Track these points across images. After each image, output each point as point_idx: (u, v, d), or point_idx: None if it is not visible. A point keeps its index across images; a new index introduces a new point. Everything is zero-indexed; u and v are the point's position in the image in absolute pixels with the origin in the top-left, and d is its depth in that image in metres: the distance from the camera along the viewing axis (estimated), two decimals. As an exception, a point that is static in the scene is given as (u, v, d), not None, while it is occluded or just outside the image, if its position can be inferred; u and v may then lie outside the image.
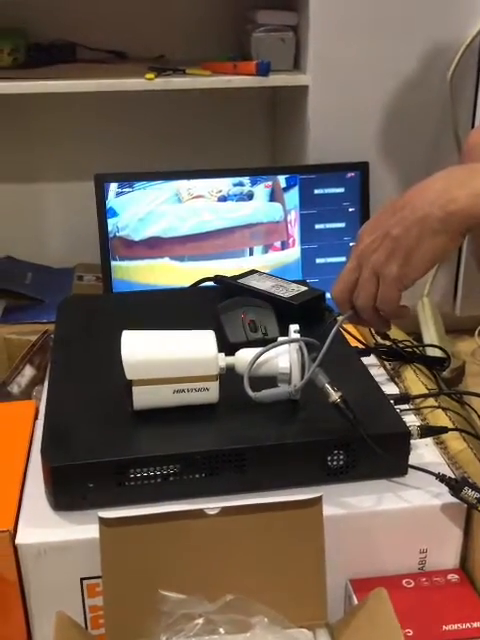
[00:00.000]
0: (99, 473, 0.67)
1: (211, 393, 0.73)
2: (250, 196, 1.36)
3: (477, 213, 0.65)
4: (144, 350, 0.72)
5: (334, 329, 0.72)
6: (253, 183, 1.37)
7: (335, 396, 0.69)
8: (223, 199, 1.36)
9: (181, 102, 1.58)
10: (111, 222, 1.35)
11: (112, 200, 1.35)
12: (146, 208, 1.35)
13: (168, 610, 0.61)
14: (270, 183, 1.37)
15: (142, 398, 0.72)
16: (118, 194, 1.35)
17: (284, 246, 1.39)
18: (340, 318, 0.74)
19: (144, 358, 0.72)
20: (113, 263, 1.35)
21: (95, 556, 0.63)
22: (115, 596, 0.63)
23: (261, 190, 1.37)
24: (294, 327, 0.75)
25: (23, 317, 1.40)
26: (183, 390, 0.72)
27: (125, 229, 1.35)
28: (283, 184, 1.37)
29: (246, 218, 1.36)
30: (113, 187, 1.35)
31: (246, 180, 1.36)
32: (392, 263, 0.67)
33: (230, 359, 0.74)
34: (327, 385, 0.70)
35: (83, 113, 1.60)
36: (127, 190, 1.35)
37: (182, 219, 1.36)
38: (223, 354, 0.73)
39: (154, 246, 1.35)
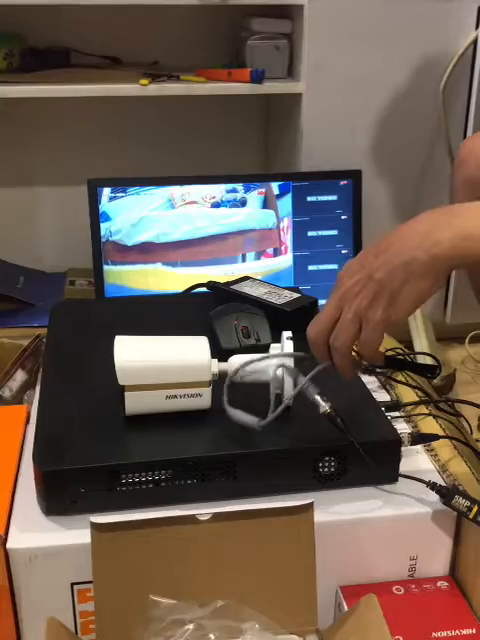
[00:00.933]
0: (91, 478, 0.67)
1: (203, 399, 0.73)
2: (243, 203, 1.37)
3: (461, 255, 0.65)
4: (137, 356, 0.72)
5: (313, 373, 0.71)
6: (246, 190, 1.37)
7: (325, 407, 0.70)
8: (216, 205, 1.36)
9: (175, 108, 1.58)
10: (104, 226, 1.35)
11: (105, 204, 1.35)
12: (139, 213, 1.35)
13: (159, 615, 0.61)
14: (263, 190, 1.37)
15: (134, 403, 0.72)
16: (111, 199, 1.35)
17: (276, 253, 1.39)
18: (319, 366, 0.72)
19: (137, 364, 0.72)
20: (105, 268, 1.35)
21: (86, 561, 0.63)
22: (106, 601, 0.63)
23: (254, 197, 1.37)
24: (287, 333, 0.75)
25: (15, 321, 1.39)
26: (175, 396, 0.72)
27: (118, 234, 1.35)
28: (276, 191, 1.37)
29: (239, 224, 1.37)
30: (106, 191, 1.35)
31: (239, 187, 1.37)
32: (377, 307, 0.67)
33: (223, 365, 0.74)
34: (317, 397, 0.70)
35: (77, 118, 1.60)
36: (120, 195, 1.35)
37: (175, 225, 1.36)
38: (216, 360, 0.74)
39: (147, 251, 1.35)
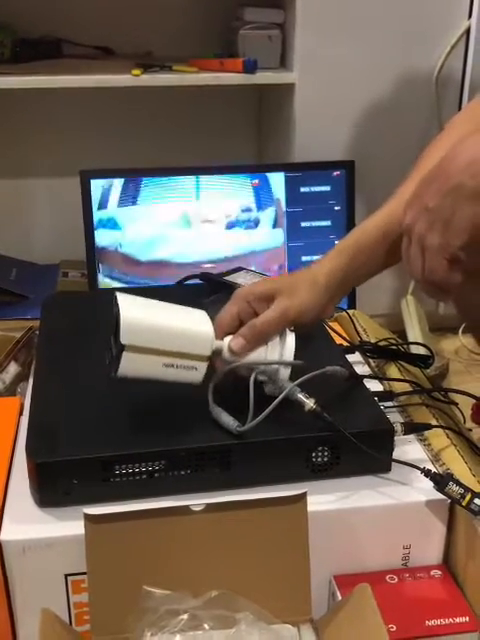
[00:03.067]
0: (84, 469, 0.67)
1: (198, 373, 0.71)
2: (256, 222, 1.37)
3: None
4: (144, 316, 0.70)
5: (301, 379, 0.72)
6: (259, 208, 1.38)
7: (310, 404, 0.70)
8: (231, 225, 1.37)
9: (167, 99, 1.57)
10: (112, 234, 1.34)
11: (114, 209, 1.34)
12: (153, 229, 1.35)
13: (153, 606, 0.61)
14: (274, 208, 1.37)
15: (129, 365, 0.69)
16: (121, 204, 1.34)
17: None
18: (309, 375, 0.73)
19: (143, 323, 0.69)
20: (108, 280, 1.35)
21: (80, 552, 0.63)
22: (100, 592, 0.63)
23: (267, 215, 1.38)
24: (291, 335, 0.75)
25: (7, 313, 1.39)
26: (173, 365, 0.70)
27: (130, 247, 1.34)
28: (284, 208, 1.38)
29: (252, 246, 1.38)
30: (115, 196, 1.34)
31: (253, 205, 1.37)
32: (433, 234, 0.69)
33: (218, 343, 0.73)
34: (299, 395, 0.70)
35: (69, 109, 1.59)
36: (129, 201, 1.34)
37: (191, 245, 1.36)
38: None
39: (159, 268, 1.35)
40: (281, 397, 0.70)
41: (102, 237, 1.36)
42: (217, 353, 0.73)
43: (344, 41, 1.36)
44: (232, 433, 0.70)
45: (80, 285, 1.50)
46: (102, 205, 1.35)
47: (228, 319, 0.76)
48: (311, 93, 1.38)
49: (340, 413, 0.70)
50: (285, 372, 0.73)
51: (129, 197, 1.36)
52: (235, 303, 0.77)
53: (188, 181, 1.36)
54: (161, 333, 0.69)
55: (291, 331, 0.75)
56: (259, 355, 0.74)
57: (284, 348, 0.74)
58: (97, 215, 1.34)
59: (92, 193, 1.34)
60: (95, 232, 1.34)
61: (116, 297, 0.71)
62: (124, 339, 0.68)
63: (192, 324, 0.72)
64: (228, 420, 0.70)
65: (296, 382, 0.71)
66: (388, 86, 1.40)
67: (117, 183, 1.35)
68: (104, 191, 1.35)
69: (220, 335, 0.75)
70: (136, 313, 0.69)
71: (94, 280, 1.36)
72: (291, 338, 0.75)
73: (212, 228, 1.37)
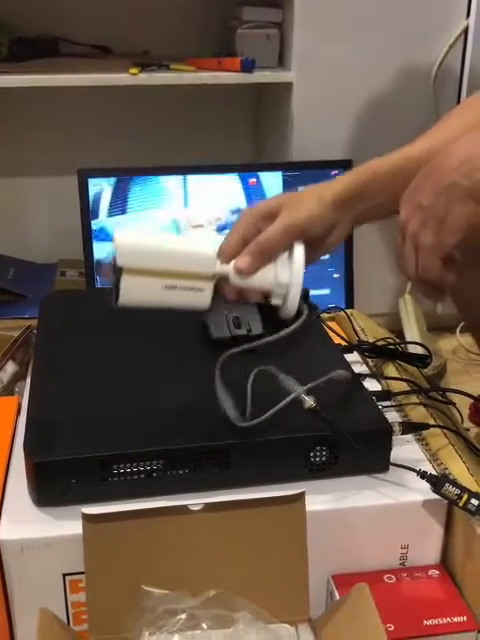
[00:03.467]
0: (82, 469, 0.67)
1: (204, 296, 0.68)
2: None
3: None
4: (139, 236, 0.68)
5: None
6: None
7: (309, 401, 0.70)
8: (222, 228, 1.36)
9: (165, 98, 1.57)
10: (107, 247, 1.33)
11: (104, 219, 1.34)
12: None
13: (151, 605, 0.61)
14: None
15: (130, 291, 0.66)
16: (110, 214, 1.34)
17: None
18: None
19: (138, 242, 0.67)
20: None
21: (78, 552, 0.63)
22: (98, 592, 0.63)
23: None
24: (299, 248, 0.72)
25: (5, 312, 1.39)
26: (175, 287, 0.67)
27: None
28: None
29: None
30: (104, 205, 1.33)
31: (244, 207, 1.37)
32: (427, 232, 0.69)
33: (224, 267, 0.70)
34: (301, 393, 0.70)
35: (66, 108, 1.59)
36: (118, 210, 1.34)
37: None
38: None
39: None
40: (289, 399, 0.69)
41: (97, 250, 1.36)
42: (224, 279, 0.70)
43: (342, 40, 1.36)
44: (233, 427, 0.69)
45: (78, 284, 1.50)
46: (94, 214, 1.35)
47: (233, 242, 0.73)
48: (309, 92, 1.38)
49: (338, 412, 0.70)
50: (296, 288, 0.71)
51: (118, 205, 1.36)
52: (240, 224, 0.75)
53: (180, 182, 1.37)
54: (159, 252, 0.67)
55: (300, 244, 0.73)
56: (268, 273, 0.72)
57: (293, 263, 0.72)
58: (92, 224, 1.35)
59: (89, 198, 1.34)
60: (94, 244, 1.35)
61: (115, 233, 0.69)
62: (120, 260, 0.65)
63: (192, 242, 0.69)
64: (232, 411, 0.69)
65: (304, 388, 0.69)
66: (386, 85, 1.40)
67: (107, 189, 1.35)
68: (95, 198, 1.35)
69: (226, 260, 0.71)
70: (131, 235, 0.67)
71: (92, 279, 1.36)
72: (300, 251, 0.72)
73: (203, 232, 1.37)
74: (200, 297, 0.68)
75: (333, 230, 0.78)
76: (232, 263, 0.71)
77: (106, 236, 1.35)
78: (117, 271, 0.66)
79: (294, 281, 0.71)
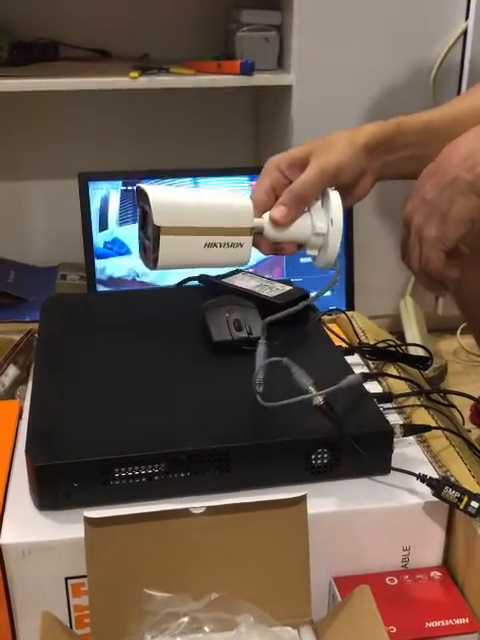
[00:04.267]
0: (84, 472, 0.67)
1: (243, 251, 0.67)
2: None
3: None
4: (172, 193, 0.66)
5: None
6: None
7: (319, 399, 0.69)
8: None
9: (164, 101, 1.58)
10: (124, 263, 1.31)
11: (116, 229, 1.32)
12: None
13: (153, 609, 0.61)
14: None
15: (169, 252, 0.65)
16: (122, 223, 1.33)
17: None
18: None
19: (174, 199, 0.65)
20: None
21: (80, 556, 0.63)
22: (100, 595, 0.63)
23: None
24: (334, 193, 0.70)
25: (5, 316, 1.39)
26: (215, 244, 0.66)
27: (148, 276, 1.33)
28: None
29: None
30: (113, 211, 1.32)
31: None
32: (431, 225, 0.69)
33: (258, 221, 0.69)
34: (311, 388, 0.70)
35: (66, 111, 1.60)
36: (130, 219, 1.33)
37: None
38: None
39: None
40: (308, 396, 0.68)
41: (115, 267, 1.34)
42: (259, 232, 0.69)
43: (341, 43, 1.37)
44: (234, 429, 0.69)
45: (78, 288, 1.51)
46: (102, 225, 1.34)
47: (262, 194, 0.72)
48: (308, 94, 1.38)
49: (339, 414, 0.70)
50: (336, 235, 0.69)
51: (129, 213, 1.35)
52: (267, 175, 0.74)
53: (186, 184, 1.36)
54: (197, 209, 0.65)
55: (333, 190, 0.71)
56: (304, 223, 0.71)
57: (329, 209, 0.71)
58: (100, 238, 1.33)
59: (90, 202, 1.34)
60: (105, 262, 1.33)
61: (139, 189, 0.66)
62: (158, 220, 0.63)
63: (228, 196, 0.68)
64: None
65: (321, 392, 0.69)
66: (385, 87, 1.40)
67: (114, 197, 1.34)
68: (102, 207, 1.34)
69: (259, 213, 0.70)
70: (166, 193, 0.65)
71: (93, 283, 1.36)
72: (335, 196, 0.71)
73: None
74: (240, 253, 0.67)
75: (362, 178, 0.77)
76: (266, 215, 0.70)
77: (121, 247, 1.35)
78: (154, 230, 0.63)
79: (333, 229, 0.70)
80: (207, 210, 0.66)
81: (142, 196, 0.67)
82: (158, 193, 0.65)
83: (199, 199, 0.67)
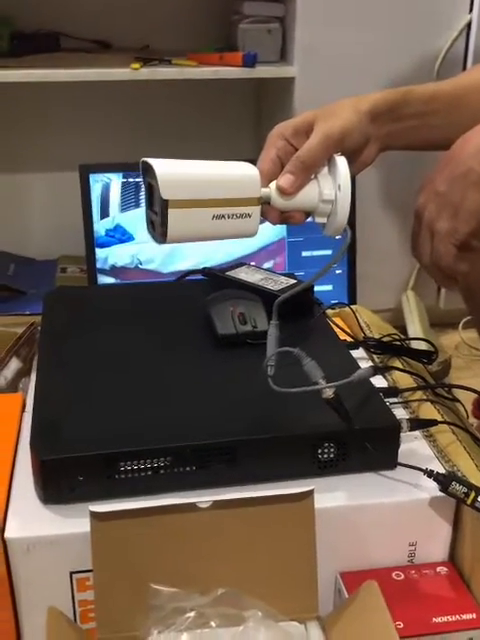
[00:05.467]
0: (89, 466, 0.66)
1: (252, 222, 0.67)
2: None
3: None
4: (177, 165, 0.66)
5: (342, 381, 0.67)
6: None
7: (329, 392, 0.69)
8: None
9: (166, 93, 1.57)
10: (127, 249, 1.31)
11: (117, 216, 1.32)
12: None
13: (159, 604, 0.61)
14: None
15: (178, 225, 0.64)
16: (124, 208, 1.32)
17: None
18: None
19: (181, 172, 0.65)
20: (108, 278, 1.33)
21: (85, 550, 0.63)
22: (106, 590, 0.63)
23: None
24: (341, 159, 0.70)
25: (5, 309, 1.39)
26: (223, 216, 0.65)
27: (151, 263, 1.32)
28: None
29: (263, 240, 1.36)
30: (114, 200, 1.32)
31: None
32: (442, 218, 0.69)
33: (265, 190, 0.69)
34: (321, 380, 0.69)
35: (67, 103, 1.59)
36: (132, 204, 1.32)
37: (206, 254, 1.34)
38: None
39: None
40: (322, 387, 0.67)
41: (117, 256, 1.33)
42: (266, 202, 0.68)
43: (344, 35, 1.36)
44: (240, 423, 0.68)
45: (79, 280, 1.50)
46: (103, 212, 1.34)
47: (268, 163, 0.72)
48: (311, 86, 1.37)
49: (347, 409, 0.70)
50: (344, 200, 0.69)
51: (131, 198, 1.34)
52: (271, 145, 0.73)
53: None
54: (203, 181, 0.65)
55: (339, 156, 0.71)
56: (311, 191, 0.70)
57: (336, 175, 0.70)
58: (102, 226, 1.33)
59: (91, 194, 1.33)
60: (107, 250, 1.32)
61: (145, 163, 0.66)
62: (165, 194, 0.63)
63: (234, 167, 0.67)
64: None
65: (333, 384, 0.68)
66: (388, 80, 1.39)
67: (115, 184, 1.33)
68: (103, 194, 1.33)
69: (265, 182, 0.70)
70: (172, 166, 0.65)
71: (93, 275, 1.35)
72: (342, 162, 0.70)
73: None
74: (248, 223, 0.67)
75: (367, 145, 0.77)
76: (273, 184, 0.70)
77: (124, 234, 1.34)
78: (162, 204, 0.63)
79: (342, 195, 0.69)
80: (214, 182, 0.65)
81: (148, 170, 0.67)
82: (164, 166, 0.65)
83: (206, 171, 0.66)
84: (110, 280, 1.34)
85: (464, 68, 1.39)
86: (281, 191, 0.70)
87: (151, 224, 0.67)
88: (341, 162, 0.71)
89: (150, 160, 0.67)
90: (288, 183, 0.70)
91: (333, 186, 0.71)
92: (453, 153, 0.70)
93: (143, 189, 0.66)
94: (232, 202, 0.66)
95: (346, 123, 0.73)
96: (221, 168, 0.69)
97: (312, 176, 0.72)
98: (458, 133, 0.73)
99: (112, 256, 1.33)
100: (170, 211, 0.64)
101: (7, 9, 1.46)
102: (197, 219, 0.65)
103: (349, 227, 0.72)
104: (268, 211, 0.71)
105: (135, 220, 1.34)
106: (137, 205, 1.34)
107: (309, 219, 0.76)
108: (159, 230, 0.65)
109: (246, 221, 0.67)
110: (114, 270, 1.34)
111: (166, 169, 0.65)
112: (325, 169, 0.72)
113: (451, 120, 0.81)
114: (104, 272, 1.34)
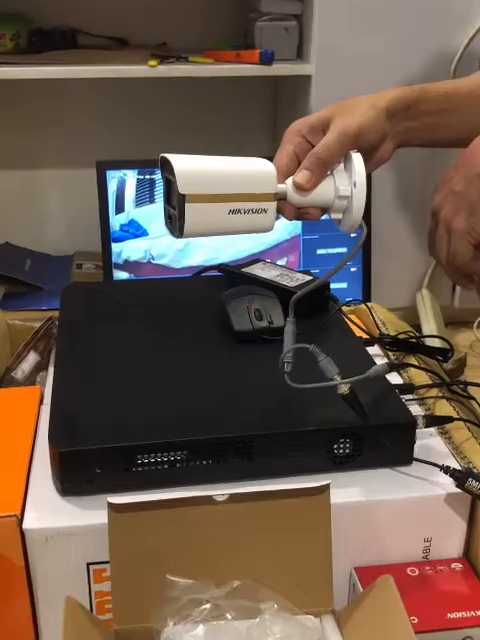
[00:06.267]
0: (107, 458, 0.67)
1: (268, 217, 0.67)
2: None
3: None
4: (195, 160, 0.67)
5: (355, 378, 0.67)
6: None
7: (344, 388, 0.69)
8: None
9: (183, 91, 1.57)
10: (140, 245, 1.32)
11: (132, 211, 1.32)
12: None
13: (175, 595, 0.61)
14: None
15: (195, 218, 0.65)
16: (138, 204, 1.33)
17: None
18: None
19: (198, 167, 0.66)
20: (123, 273, 1.33)
21: (102, 541, 0.63)
22: (123, 581, 0.63)
23: None
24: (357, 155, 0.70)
25: (22, 304, 1.39)
26: (240, 211, 0.66)
27: (163, 258, 1.33)
28: None
29: (277, 238, 1.36)
30: (129, 195, 1.32)
31: None
32: (459, 217, 0.69)
33: (281, 186, 0.70)
34: (336, 376, 0.69)
35: (84, 100, 1.59)
36: (145, 199, 1.32)
37: (218, 249, 1.35)
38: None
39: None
40: (338, 382, 0.68)
41: (131, 250, 1.34)
42: (282, 198, 0.69)
43: (361, 33, 1.36)
44: (257, 417, 0.69)
45: (94, 276, 1.50)
46: (119, 207, 1.34)
47: (285, 160, 0.72)
48: (328, 85, 1.37)
49: (363, 405, 0.70)
50: (360, 197, 0.70)
51: (146, 194, 1.35)
52: (288, 141, 0.74)
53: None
54: (220, 176, 0.66)
55: (355, 152, 0.72)
56: (327, 187, 0.71)
57: (352, 171, 0.71)
58: (116, 221, 1.33)
59: (108, 191, 1.34)
60: (121, 245, 1.33)
61: (163, 158, 0.67)
62: (183, 189, 0.64)
63: (251, 163, 0.68)
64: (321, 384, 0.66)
65: (348, 380, 0.68)
66: (405, 77, 1.39)
67: (131, 179, 1.34)
68: (118, 189, 1.33)
69: (282, 178, 0.70)
70: (190, 161, 0.66)
71: (109, 271, 1.36)
72: (358, 158, 0.71)
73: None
74: (264, 219, 0.67)
75: (383, 141, 0.77)
76: (289, 181, 0.70)
77: (138, 229, 1.35)
78: (179, 199, 0.64)
79: (357, 191, 0.70)
80: (231, 177, 0.66)
81: (166, 165, 0.68)
82: (182, 162, 0.66)
83: (223, 166, 0.67)
84: (123, 274, 1.35)
85: (481, 67, 1.39)
86: (297, 187, 0.71)
87: (169, 218, 0.68)
88: (357, 159, 0.71)
89: (168, 155, 0.68)
90: (304, 179, 0.70)
91: (349, 182, 0.72)
92: (470, 152, 0.70)
93: (158, 184, 0.67)
94: (248, 197, 0.67)
95: (363, 120, 0.74)
96: (238, 164, 0.69)
97: (328, 172, 0.73)
98: (475, 131, 0.73)
99: (126, 250, 1.34)
100: (187, 205, 0.65)
101: (25, 6, 1.47)
102: (214, 214, 0.66)
103: (365, 223, 0.73)
104: (284, 207, 0.72)
105: (149, 215, 1.34)
106: (151, 201, 1.34)
107: (325, 216, 0.77)
108: (176, 224, 0.67)
109: (262, 216, 0.68)
110: (127, 264, 1.34)
111: (184, 164, 0.66)
112: (341, 165, 0.73)
113: (468, 118, 0.81)
114: (117, 266, 1.34)
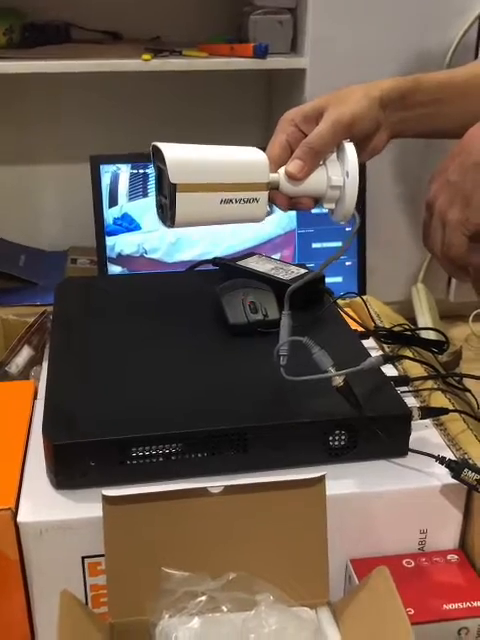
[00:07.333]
0: (101, 451, 0.67)
1: (259, 207, 0.67)
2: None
3: None
4: (186, 150, 0.67)
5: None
6: None
7: (339, 380, 0.69)
8: None
9: (176, 84, 1.57)
10: (133, 238, 1.31)
11: (125, 205, 1.32)
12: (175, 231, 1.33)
13: (171, 588, 0.61)
14: None
15: (186, 209, 0.65)
16: (131, 197, 1.33)
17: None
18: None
19: (189, 157, 0.66)
20: (117, 268, 1.33)
21: (97, 535, 0.63)
22: (118, 574, 0.63)
23: None
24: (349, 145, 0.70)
25: (16, 299, 1.39)
26: (231, 200, 0.66)
27: (156, 252, 1.33)
28: None
29: (270, 232, 1.36)
30: (123, 187, 1.32)
31: None
32: (454, 208, 0.68)
33: (274, 176, 0.69)
34: (331, 368, 0.69)
35: (77, 94, 1.59)
36: (139, 193, 1.32)
37: (215, 243, 1.34)
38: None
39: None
40: (332, 374, 0.68)
41: (124, 244, 1.34)
42: (274, 187, 0.69)
43: (355, 26, 1.35)
44: (251, 409, 0.69)
45: (89, 272, 1.50)
46: (112, 201, 1.34)
47: (278, 149, 0.72)
48: (322, 78, 1.37)
49: (358, 397, 0.70)
50: (352, 187, 0.70)
51: (139, 188, 1.34)
52: (281, 130, 0.73)
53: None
54: (212, 165, 0.66)
55: (348, 142, 0.72)
56: (320, 177, 0.71)
57: (345, 161, 0.71)
58: (110, 214, 1.33)
59: (102, 185, 1.33)
60: (114, 239, 1.33)
61: (155, 147, 0.67)
62: (174, 178, 0.64)
63: (243, 152, 0.68)
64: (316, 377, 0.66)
65: (342, 372, 0.68)
66: (399, 72, 1.38)
67: (124, 173, 1.33)
68: (112, 183, 1.33)
69: (274, 167, 0.70)
70: (181, 150, 0.66)
71: (104, 266, 1.36)
72: (350, 148, 0.71)
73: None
74: (256, 208, 0.67)
75: (377, 131, 0.77)
76: (282, 170, 0.70)
77: (131, 223, 1.35)
78: (170, 188, 0.64)
79: (350, 181, 0.70)
80: (223, 166, 0.66)
81: (158, 155, 0.68)
82: (173, 151, 0.65)
83: (215, 155, 0.67)
84: (117, 268, 1.35)
85: (476, 58, 1.38)
86: (289, 176, 0.71)
87: (160, 208, 0.68)
88: (350, 149, 0.71)
89: (160, 144, 0.68)
90: (296, 169, 0.70)
91: (341, 172, 0.71)
92: (465, 142, 0.70)
93: (151, 178, 0.67)
94: (240, 187, 0.66)
95: (356, 109, 0.73)
96: (230, 153, 0.69)
97: (321, 162, 0.73)
98: (470, 121, 0.72)
99: (119, 244, 1.34)
100: (178, 195, 0.65)
101: (18, 1, 1.47)
102: (205, 203, 0.66)
103: (358, 213, 0.72)
104: (276, 196, 0.72)
105: (142, 209, 1.34)
106: (145, 194, 1.34)
107: (316, 209, 0.77)
108: (168, 214, 0.66)
109: (254, 206, 0.67)
110: (120, 258, 1.34)
111: (175, 153, 0.66)
112: (334, 155, 0.72)
113: (463, 108, 0.80)
114: (111, 260, 1.34)
